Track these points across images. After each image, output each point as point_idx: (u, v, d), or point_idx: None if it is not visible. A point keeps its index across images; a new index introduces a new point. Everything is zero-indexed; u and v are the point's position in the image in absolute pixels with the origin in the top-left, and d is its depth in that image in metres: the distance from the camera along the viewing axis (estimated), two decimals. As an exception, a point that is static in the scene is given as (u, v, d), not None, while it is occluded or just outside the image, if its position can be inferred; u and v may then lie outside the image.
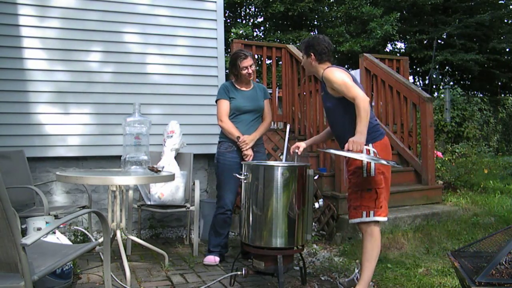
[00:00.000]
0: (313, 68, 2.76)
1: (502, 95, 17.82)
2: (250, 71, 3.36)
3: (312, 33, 15.30)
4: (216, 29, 4.89)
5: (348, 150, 2.37)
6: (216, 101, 3.46)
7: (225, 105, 3.39)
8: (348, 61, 15.75)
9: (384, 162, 2.44)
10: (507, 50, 16.32)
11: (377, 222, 2.54)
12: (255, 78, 3.56)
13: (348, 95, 2.49)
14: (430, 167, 4.61)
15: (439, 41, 15.34)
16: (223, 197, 3.35)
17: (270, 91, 6.01)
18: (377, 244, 2.55)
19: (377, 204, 2.53)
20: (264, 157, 3.52)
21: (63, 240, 2.81)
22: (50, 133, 4.24)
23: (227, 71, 3.87)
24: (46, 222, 2.81)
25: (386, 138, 2.68)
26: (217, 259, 3.36)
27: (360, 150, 2.37)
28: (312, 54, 2.70)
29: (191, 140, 4.36)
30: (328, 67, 2.66)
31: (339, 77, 2.54)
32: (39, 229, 2.74)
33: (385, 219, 2.57)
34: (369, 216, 2.53)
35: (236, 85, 3.47)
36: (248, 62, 3.35)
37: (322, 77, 2.68)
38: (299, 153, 2.94)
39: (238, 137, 3.28)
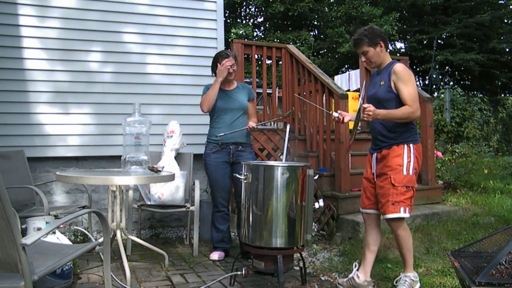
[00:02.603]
0: (380, 58, 2.71)
1: (502, 95, 17.82)
2: (231, 70, 3.42)
3: (311, 33, 15.30)
4: (216, 29, 4.89)
5: (361, 110, 2.50)
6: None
7: None
8: (348, 61, 15.75)
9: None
10: (507, 50, 16.33)
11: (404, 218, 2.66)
12: (243, 79, 3.57)
13: (408, 97, 2.56)
14: (430, 167, 4.61)
15: (439, 41, 15.35)
16: (216, 196, 3.50)
17: (269, 91, 6.03)
18: (410, 234, 2.70)
19: (412, 202, 2.64)
20: (252, 156, 3.53)
21: (63, 240, 2.80)
22: (50, 133, 4.24)
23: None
24: (46, 222, 2.81)
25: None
26: (222, 254, 3.51)
27: (366, 119, 2.50)
28: (381, 42, 2.67)
29: (191, 140, 4.36)
30: (400, 61, 2.69)
31: (411, 77, 2.62)
32: (39, 229, 2.74)
33: (408, 215, 2.68)
34: (406, 213, 2.61)
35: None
36: (230, 61, 3.41)
37: (391, 67, 2.66)
38: (343, 121, 2.82)
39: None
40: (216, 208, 3.51)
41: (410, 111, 2.56)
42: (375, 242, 2.79)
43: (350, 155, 4.19)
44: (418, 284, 2.72)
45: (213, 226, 3.57)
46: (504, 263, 2.04)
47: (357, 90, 7.36)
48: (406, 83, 2.58)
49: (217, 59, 3.48)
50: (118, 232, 3.11)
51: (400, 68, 2.62)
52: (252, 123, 3.44)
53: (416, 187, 2.66)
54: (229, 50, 3.60)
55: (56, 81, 4.28)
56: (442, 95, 10.16)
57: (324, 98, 4.47)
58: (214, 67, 3.52)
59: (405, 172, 2.60)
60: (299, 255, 3.06)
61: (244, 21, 15.98)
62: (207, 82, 5.02)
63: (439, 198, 4.66)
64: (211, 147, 3.48)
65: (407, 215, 2.61)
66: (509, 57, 16.72)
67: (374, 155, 2.78)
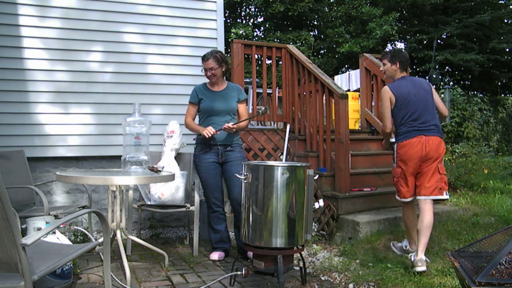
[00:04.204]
0: (393, 74, 3.33)
1: (502, 95, 17.82)
2: (209, 73, 3.41)
3: (311, 33, 15.31)
4: (216, 29, 4.89)
5: None
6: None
7: (191, 109, 3.53)
8: (348, 61, 15.75)
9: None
10: (507, 50, 16.32)
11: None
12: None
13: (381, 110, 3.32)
14: (430, 167, 4.59)
15: (439, 41, 15.33)
16: (209, 197, 3.49)
17: (269, 91, 6.03)
18: (411, 214, 3.29)
19: (396, 187, 3.28)
20: (241, 155, 3.51)
21: (63, 240, 2.80)
22: (50, 133, 4.24)
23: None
24: (46, 222, 2.81)
25: (410, 140, 3.14)
26: (222, 254, 3.49)
27: None
28: (398, 63, 3.28)
29: (191, 140, 4.35)
30: (395, 80, 3.28)
31: (383, 97, 3.25)
32: (39, 229, 2.74)
33: (399, 198, 3.28)
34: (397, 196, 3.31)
35: (208, 86, 3.52)
36: (207, 64, 3.40)
37: None
38: None
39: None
40: (211, 209, 3.49)
41: (381, 128, 3.36)
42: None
43: (350, 155, 4.19)
44: (412, 256, 3.09)
45: (209, 227, 3.55)
46: (504, 263, 2.04)
47: (357, 90, 7.36)
48: (380, 102, 3.38)
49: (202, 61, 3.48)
50: (118, 232, 3.11)
51: (383, 88, 3.27)
52: (227, 124, 3.30)
53: (397, 176, 3.21)
54: (212, 51, 3.48)
55: (56, 81, 4.28)
56: (442, 95, 10.15)
57: (324, 98, 4.47)
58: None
59: (394, 164, 3.29)
60: (299, 255, 3.06)
61: (244, 21, 15.99)
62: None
63: (439, 198, 4.65)
64: (200, 148, 3.48)
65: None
66: (509, 57, 16.70)
67: None
